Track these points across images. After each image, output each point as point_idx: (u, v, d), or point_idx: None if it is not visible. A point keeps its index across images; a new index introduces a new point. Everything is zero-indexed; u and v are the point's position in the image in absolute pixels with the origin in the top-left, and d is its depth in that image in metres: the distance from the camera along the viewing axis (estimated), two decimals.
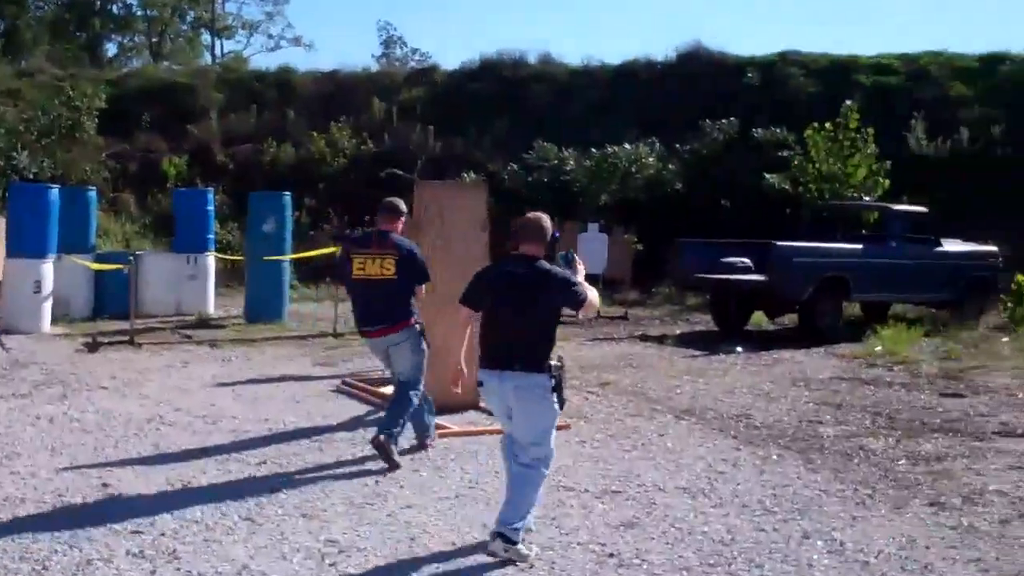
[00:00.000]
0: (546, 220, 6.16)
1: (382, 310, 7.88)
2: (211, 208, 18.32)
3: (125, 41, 52.84)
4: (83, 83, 27.10)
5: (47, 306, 15.08)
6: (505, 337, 5.92)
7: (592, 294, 6.03)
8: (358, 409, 9.89)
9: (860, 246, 16.41)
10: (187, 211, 18.19)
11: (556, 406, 5.94)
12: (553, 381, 5.86)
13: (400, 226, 8.13)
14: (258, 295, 16.65)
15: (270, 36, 54.40)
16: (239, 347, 13.91)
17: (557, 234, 6.52)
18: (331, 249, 16.78)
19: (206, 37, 52.75)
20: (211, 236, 18.27)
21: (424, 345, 8.08)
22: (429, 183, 10.09)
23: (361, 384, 10.69)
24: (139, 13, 50.49)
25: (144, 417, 9.27)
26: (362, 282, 7.92)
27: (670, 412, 10.07)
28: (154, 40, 51.08)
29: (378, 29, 44.43)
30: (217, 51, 50.59)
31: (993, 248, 17.90)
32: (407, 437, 8.33)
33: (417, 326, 7.99)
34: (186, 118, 27.82)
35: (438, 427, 8.82)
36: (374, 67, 32.99)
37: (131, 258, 14.48)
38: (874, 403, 10.73)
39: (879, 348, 14.28)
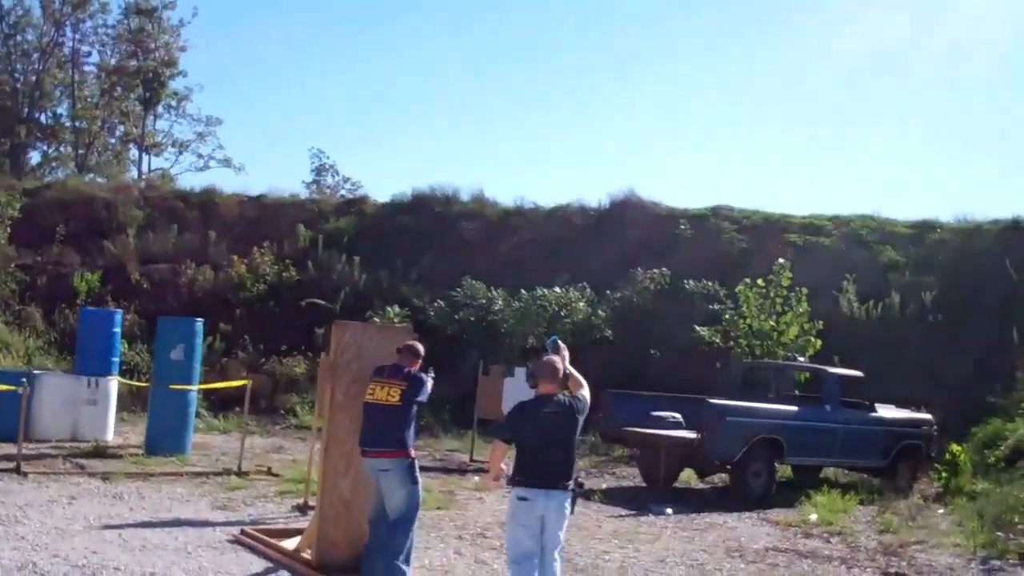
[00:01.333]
0: (559, 362, 7.36)
1: (380, 433, 8.30)
2: (117, 330, 17.30)
3: (50, 151, 51.90)
4: None
5: None
6: (551, 462, 7.11)
7: (585, 390, 7.41)
8: (255, 566, 8.92)
9: (795, 408, 15.92)
10: (92, 331, 17.14)
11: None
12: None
13: (417, 366, 8.61)
14: (161, 425, 15.60)
15: (200, 155, 53.54)
16: (134, 482, 12.84)
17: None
18: (242, 381, 15.83)
19: (135, 152, 51.91)
20: (116, 359, 17.22)
21: (416, 481, 8.38)
22: (348, 324, 9.31)
23: (261, 536, 9.71)
24: (67, 124, 49.62)
25: (15, 564, 8.22)
26: (370, 406, 8.40)
27: None
28: (80, 152, 50.12)
29: (310, 156, 43.95)
30: (145, 167, 49.73)
31: (927, 416, 17.54)
32: None
33: (409, 460, 8.32)
34: (103, 234, 26.95)
35: None
36: (303, 193, 32.41)
37: (23, 380, 13.37)
38: None
39: (814, 516, 13.64)
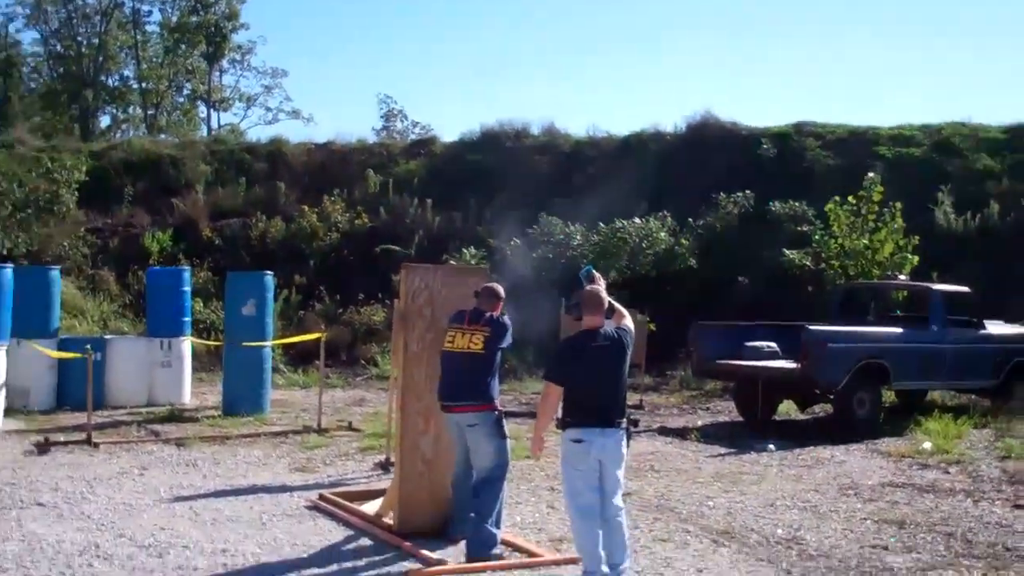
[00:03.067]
0: (603, 292, 6.98)
1: (464, 385, 7.68)
2: (187, 288, 16.84)
3: (119, 114, 51.99)
4: (64, 155, 25.81)
5: None
6: (604, 399, 6.74)
7: (629, 320, 7.10)
8: (334, 534, 8.30)
9: (900, 330, 14.91)
10: (161, 291, 16.68)
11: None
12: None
13: (499, 310, 7.97)
14: (236, 385, 15.13)
15: (268, 109, 53.40)
16: (209, 447, 12.36)
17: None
18: (317, 335, 15.28)
19: (203, 109, 51.74)
20: (187, 319, 16.77)
21: (504, 435, 7.81)
22: (418, 266, 8.60)
23: (340, 500, 9.10)
24: (135, 86, 49.54)
25: (77, 548, 7.69)
26: (449, 355, 7.76)
27: (705, 535, 8.48)
28: (149, 112, 50.06)
29: (378, 102, 43.06)
30: (214, 124, 49.50)
31: None
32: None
33: (496, 413, 7.73)
34: (172, 192, 26.56)
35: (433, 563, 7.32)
36: (371, 138, 31.61)
37: (88, 346, 12.90)
38: (942, 519, 9.16)
39: (927, 445, 12.74)
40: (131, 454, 11.78)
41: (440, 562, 7.40)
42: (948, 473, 11.34)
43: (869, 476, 11.12)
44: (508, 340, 7.88)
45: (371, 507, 8.79)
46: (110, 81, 49.83)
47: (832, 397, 14.52)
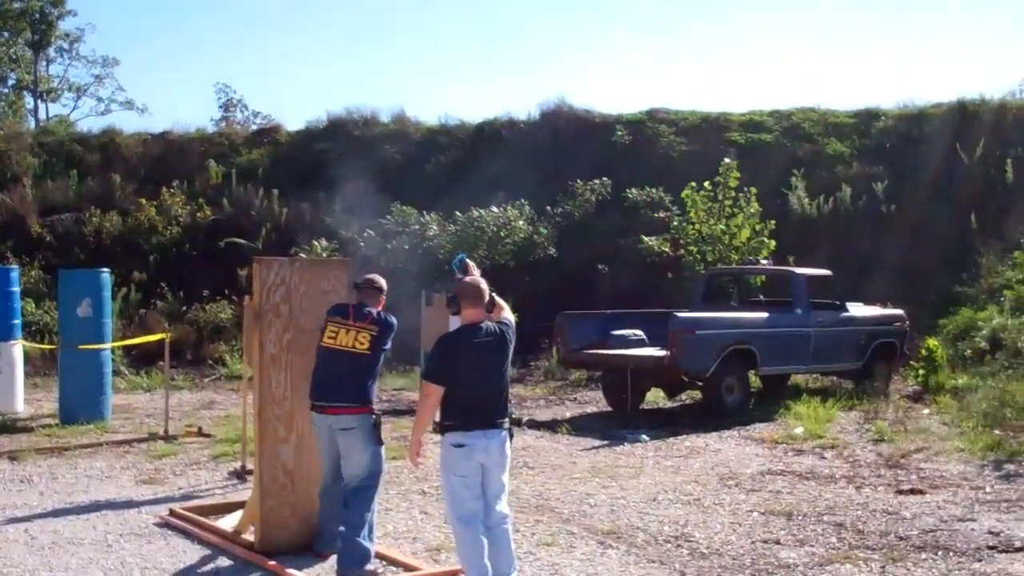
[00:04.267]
0: (483, 283, 6.44)
1: (344, 385, 7.00)
2: (15, 288, 15.52)
3: None
4: None
5: None
6: (488, 399, 6.27)
7: (509, 313, 6.54)
8: (189, 555, 7.49)
9: (766, 314, 14.79)
10: None
11: None
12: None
13: (382, 305, 7.36)
14: (74, 391, 13.98)
15: (100, 99, 51.00)
16: (46, 460, 11.31)
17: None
18: (160, 335, 14.28)
19: (30, 101, 49.17)
20: (16, 322, 15.46)
21: (381, 441, 7.11)
22: (273, 260, 7.84)
23: (193, 516, 8.29)
24: None
25: None
26: (329, 352, 7.07)
27: (591, 536, 7.98)
28: None
29: (216, 92, 41.58)
30: (42, 116, 47.06)
31: (899, 311, 16.57)
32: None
33: (374, 417, 7.05)
34: None
35: None
36: (211, 128, 30.27)
37: None
38: (828, 508, 8.89)
39: (800, 430, 12.58)
40: None
41: None
42: (825, 459, 11.16)
43: (747, 464, 10.85)
44: (390, 341, 7.26)
45: (228, 522, 8.04)
46: None
47: (701, 384, 14.30)
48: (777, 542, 7.81)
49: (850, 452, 11.42)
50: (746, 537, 7.95)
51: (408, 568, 7.08)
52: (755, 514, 8.69)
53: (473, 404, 6.23)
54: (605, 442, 12.26)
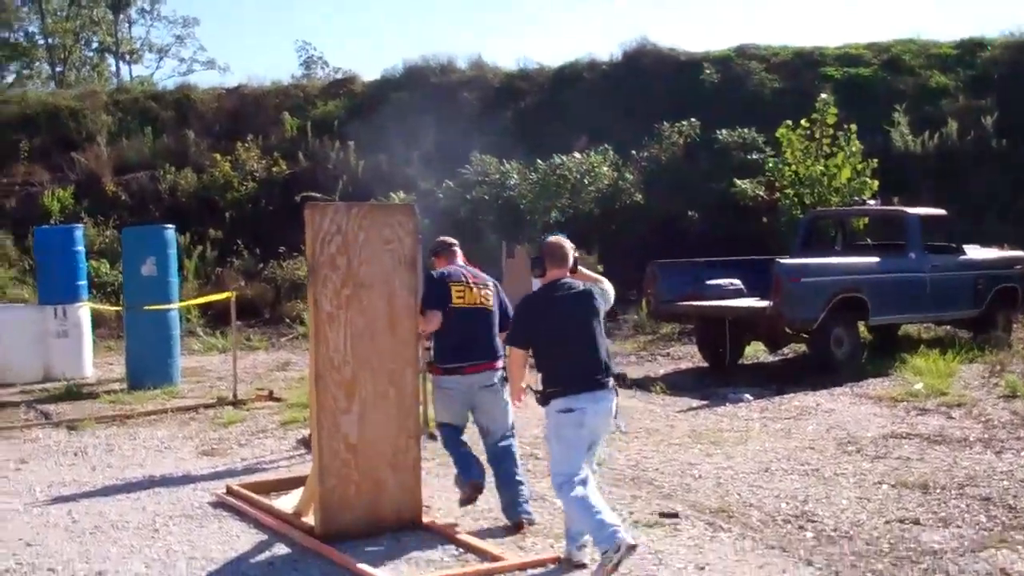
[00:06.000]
0: (567, 243, 6.17)
1: (486, 343, 6.94)
2: (80, 248, 14.91)
3: (24, 70, 49.14)
4: None
5: None
6: (584, 356, 5.89)
7: (607, 284, 6.31)
8: (242, 540, 6.65)
9: (876, 259, 13.53)
10: (52, 253, 14.75)
11: None
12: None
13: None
14: (141, 354, 13.33)
15: (181, 60, 50.91)
16: (106, 429, 10.63)
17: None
18: (225, 295, 13.52)
19: (112, 63, 49.11)
20: (82, 283, 14.88)
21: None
22: (327, 205, 6.95)
23: (250, 495, 7.45)
24: (40, 41, 46.80)
25: None
26: (467, 311, 6.93)
27: (698, 516, 6.97)
28: (58, 70, 47.41)
29: (296, 49, 40.86)
30: (125, 77, 46.92)
31: (1020, 253, 15.18)
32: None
33: (503, 371, 6.90)
34: (72, 146, 24.37)
35: None
36: (286, 80, 29.49)
37: None
38: (967, 478, 7.78)
39: (920, 386, 11.39)
40: (10, 443, 10.00)
41: None
42: (953, 419, 9.99)
43: (866, 427, 9.73)
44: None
45: (288, 501, 7.20)
46: (12, 38, 47.09)
47: (806, 336, 13.14)
48: (916, 522, 6.73)
49: (980, 410, 10.24)
50: (878, 515, 6.89)
51: (492, 558, 6.15)
52: (884, 486, 7.61)
53: (570, 365, 5.87)
54: (704, 402, 11.23)
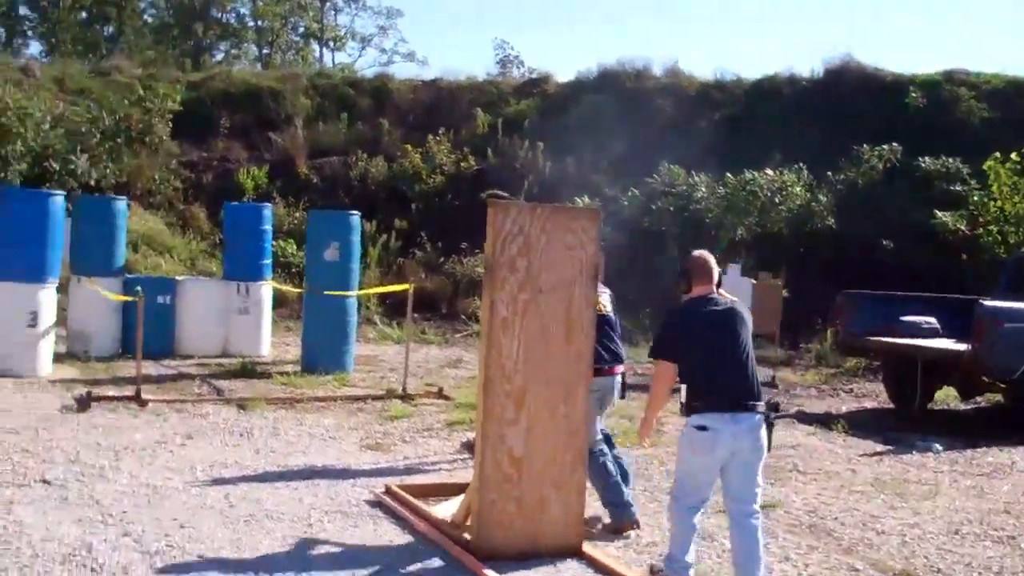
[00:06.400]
0: (711, 257, 6.07)
1: (617, 344, 7.28)
2: (268, 227, 15.21)
3: (233, 50, 51.06)
4: (159, 84, 24.42)
5: (46, 343, 12.13)
6: (729, 377, 5.69)
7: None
8: (395, 544, 6.48)
9: None
10: (240, 230, 15.09)
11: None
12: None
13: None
14: (317, 338, 13.46)
15: (383, 50, 52.09)
16: (274, 411, 10.70)
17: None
18: (404, 285, 13.51)
19: (317, 49, 50.58)
20: (267, 262, 15.15)
21: None
22: (511, 204, 6.71)
23: (408, 498, 7.29)
24: (250, 24, 48.56)
25: (63, 550, 5.99)
26: (601, 317, 6.95)
27: None
28: (264, 52, 49.10)
29: (494, 47, 41.19)
30: (327, 64, 48.25)
31: None
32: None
33: None
34: (270, 126, 25.02)
35: None
36: (481, 76, 29.59)
37: (138, 288, 11.37)
38: None
39: None
40: (181, 416, 10.16)
41: None
42: None
43: None
44: None
45: (447, 508, 7.00)
46: (223, 18, 48.99)
47: (1004, 386, 12.26)
48: None
49: None
50: None
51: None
52: None
53: (715, 383, 5.67)
54: (889, 447, 10.55)
